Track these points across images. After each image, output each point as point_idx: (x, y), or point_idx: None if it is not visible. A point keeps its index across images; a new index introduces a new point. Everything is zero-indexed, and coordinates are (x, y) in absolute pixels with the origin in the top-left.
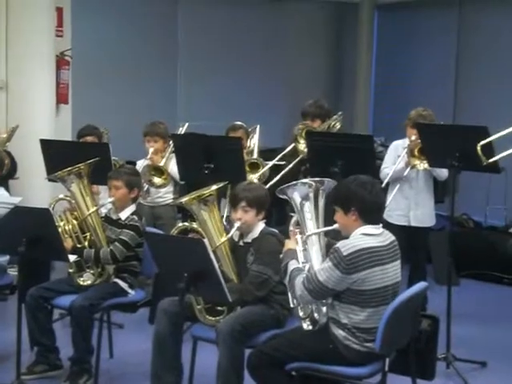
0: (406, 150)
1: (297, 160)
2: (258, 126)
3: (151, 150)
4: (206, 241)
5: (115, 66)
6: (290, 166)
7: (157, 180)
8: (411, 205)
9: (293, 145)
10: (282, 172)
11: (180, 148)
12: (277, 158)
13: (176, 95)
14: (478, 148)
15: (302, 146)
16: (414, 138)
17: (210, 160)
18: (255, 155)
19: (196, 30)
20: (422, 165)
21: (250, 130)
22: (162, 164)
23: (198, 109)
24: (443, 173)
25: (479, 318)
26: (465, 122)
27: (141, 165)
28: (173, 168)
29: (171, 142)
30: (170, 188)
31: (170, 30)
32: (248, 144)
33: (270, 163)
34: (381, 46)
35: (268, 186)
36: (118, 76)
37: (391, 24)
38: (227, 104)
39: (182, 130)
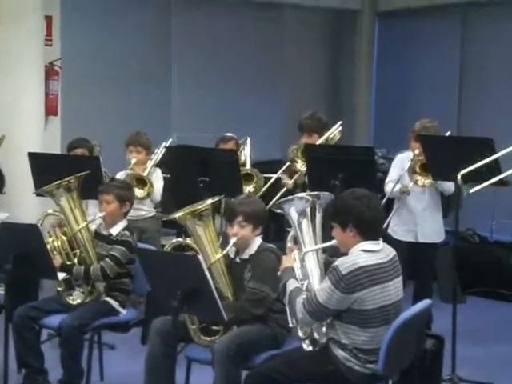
0: (406, 168)
1: (295, 177)
2: (249, 138)
3: (133, 160)
4: (200, 257)
5: (107, 77)
6: (291, 181)
7: (138, 192)
8: (418, 220)
9: (288, 164)
10: (283, 190)
11: (173, 161)
12: (272, 180)
13: (170, 106)
14: (459, 177)
15: (300, 165)
16: (417, 151)
17: (204, 173)
18: (248, 166)
19: (190, 39)
20: (423, 180)
21: (240, 141)
22: (144, 174)
23: (193, 120)
24: (449, 187)
25: (486, 338)
26: (469, 132)
27: (121, 177)
28: (155, 183)
29: (157, 154)
30: (151, 203)
31: (164, 39)
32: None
33: (272, 179)
34: (382, 54)
35: (269, 205)
36: (110, 87)
37: (392, 31)
38: (223, 114)
39: (166, 144)
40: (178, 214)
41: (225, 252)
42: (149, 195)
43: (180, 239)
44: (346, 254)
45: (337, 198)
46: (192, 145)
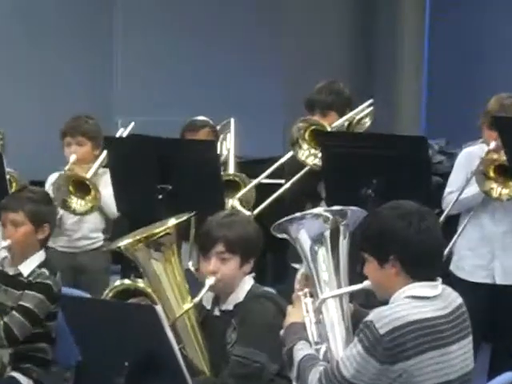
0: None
1: (300, 175)
2: (233, 121)
3: (73, 157)
4: (159, 308)
5: (16, 35)
6: (289, 183)
7: (77, 203)
8: (495, 251)
9: (290, 153)
10: (275, 194)
11: (118, 159)
12: (265, 173)
13: (111, 77)
14: None
15: (305, 154)
16: (492, 144)
17: (166, 178)
18: (231, 169)
19: None
20: (501, 189)
21: (218, 127)
22: (87, 176)
23: (146, 97)
24: None
25: None
26: None
27: (51, 183)
28: (104, 191)
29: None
30: (99, 223)
31: None
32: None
33: (255, 181)
34: (437, 3)
35: (256, 211)
36: (22, 50)
37: None
38: (194, 90)
39: (124, 132)
40: (123, 243)
41: (197, 300)
42: (92, 209)
43: (127, 280)
44: (385, 302)
45: (371, 215)
46: (145, 135)
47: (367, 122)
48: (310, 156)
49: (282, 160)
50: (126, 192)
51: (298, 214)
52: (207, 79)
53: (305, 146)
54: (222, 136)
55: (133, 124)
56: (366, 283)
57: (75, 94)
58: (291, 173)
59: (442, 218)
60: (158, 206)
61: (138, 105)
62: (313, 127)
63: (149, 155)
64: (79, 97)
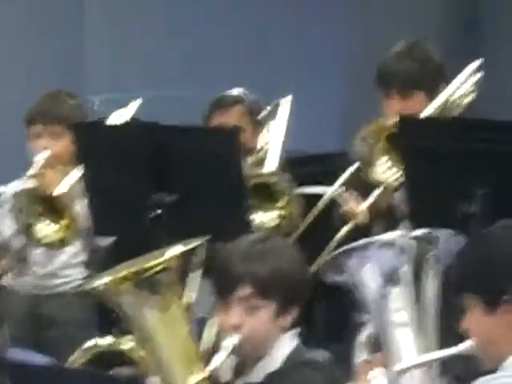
0: None
1: (374, 197)
2: (289, 99)
3: (43, 155)
4: (154, 381)
5: None
6: (366, 204)
7: (46, 229)
8: None
9: (355, 167)
10: (342, 231)
11: (94, 156)
12: (328, 195)
13: (83, 46)
14: None
15: (382, 169)
16: None
17: (165, 185)
18: (270, 166)
19: None
20: None
21: (259, 108)
22: (62, 190)
23: (133, 70)
24: None
25: None
26: None
27: (13, 192)
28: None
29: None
30: (77, 254)
31: None
32: (257, 142)
33: (314, 212)
34: None
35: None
36: None
37: None
38: (202, 59)
39: (124, 115)
40: (102, 281)
41: (212, 369)
42: (64, 242)
43: (108, 338)
44: (494, 371)
45: (474, 239)
46: (136, 119)
47: (467, 97)
48: (391, 171)
49: (344, 177)
50: (108, 206)
51: (360, 242)
52: (232, 46)
53: (380, 159)
54: (266, 123)
55: (139, 101)
56: (466, 344)
57: (35, 66)
58: (357, 186)
59: None
60: (154, 225)
61: (120, 75)
62: (387, 127)
63: (141, 151)
64: (40, 70)
